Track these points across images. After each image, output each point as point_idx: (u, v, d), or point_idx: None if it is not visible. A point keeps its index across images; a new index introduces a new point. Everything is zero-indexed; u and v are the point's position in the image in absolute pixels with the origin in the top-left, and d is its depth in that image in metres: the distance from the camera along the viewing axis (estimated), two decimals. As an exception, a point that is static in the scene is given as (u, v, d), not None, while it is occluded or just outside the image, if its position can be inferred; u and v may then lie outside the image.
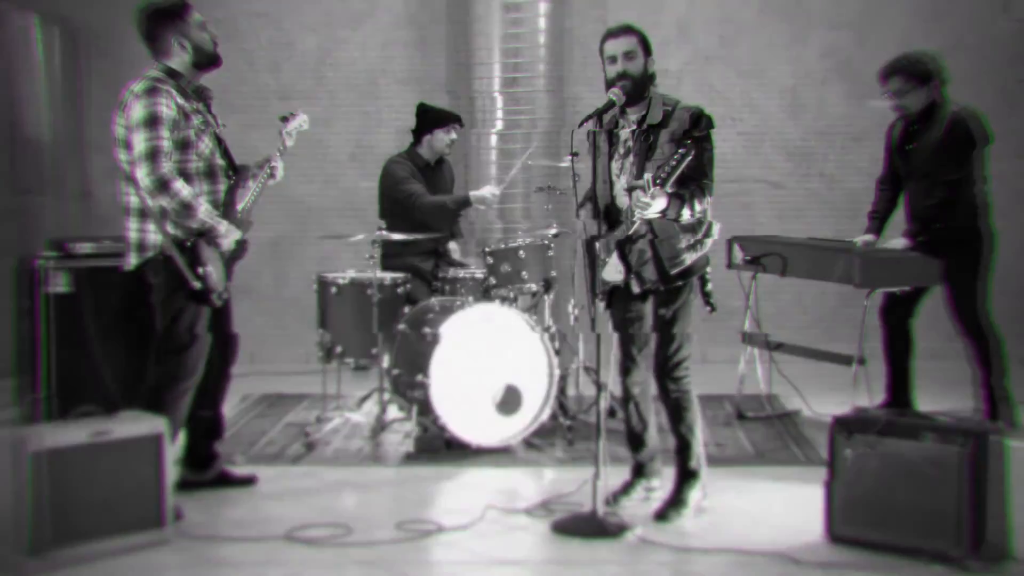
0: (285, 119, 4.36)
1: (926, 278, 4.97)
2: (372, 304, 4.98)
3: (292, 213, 7.27)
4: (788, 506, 4.06)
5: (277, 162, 4.23)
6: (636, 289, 3.88)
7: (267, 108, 7.10)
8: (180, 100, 3.91)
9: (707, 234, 3.86)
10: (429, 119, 5.67)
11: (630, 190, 3.73)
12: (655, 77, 3.89)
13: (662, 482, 4.10)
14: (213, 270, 3.97)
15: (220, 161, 4.07)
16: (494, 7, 6.88)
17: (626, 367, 4.02)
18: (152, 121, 3.82)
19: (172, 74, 3.96)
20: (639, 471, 4.13)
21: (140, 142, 3.83)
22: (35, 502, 3.40)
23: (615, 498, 4.00)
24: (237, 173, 4.16)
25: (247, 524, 3.88)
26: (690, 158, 3.55)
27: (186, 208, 3.87)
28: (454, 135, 5.70)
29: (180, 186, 3.85)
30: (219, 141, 4.10)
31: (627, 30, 3.86)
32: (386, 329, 5.02)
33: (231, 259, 4.10)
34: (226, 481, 4.34)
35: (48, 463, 3.42)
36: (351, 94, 7.47)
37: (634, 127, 3.85)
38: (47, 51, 6.70)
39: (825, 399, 5.39)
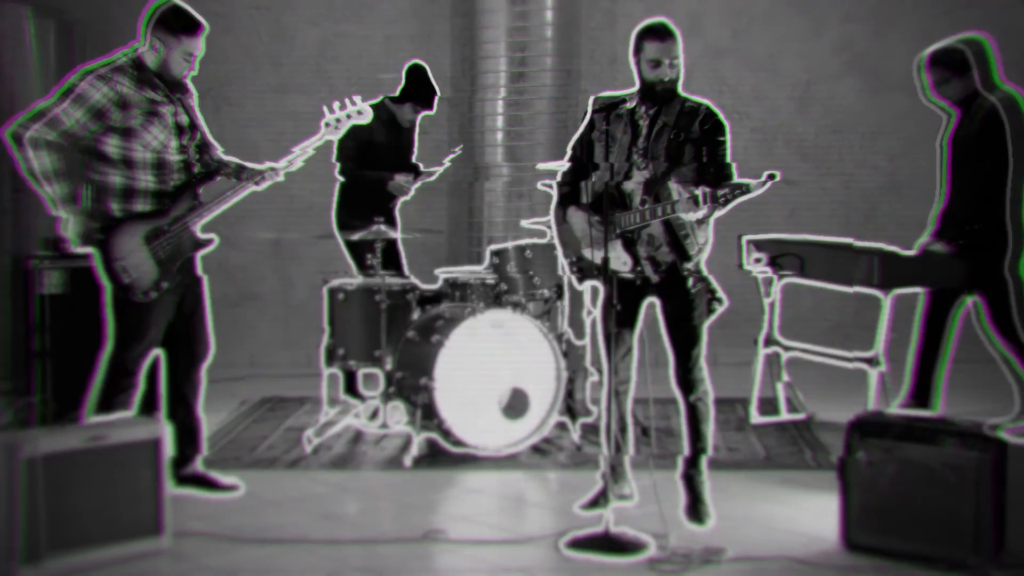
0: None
1: (948, 279, 4.84)
2: (380, 310, 4.90)
3: (293, 212, 7.19)
4: (803, 512, 4.01)
5: (275, 173, 4.19)
6: (651, 274, 3.84)
7: (267, 104, 7.04)
8: (126, 89, 3.91)
9: (706, 240, 3.87)
10: (409, 89, 5.60)
11: (668, 203, 3.71)
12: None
13: (634, 488, 4.06)
14: (135, 263, 3.95)
15: (175, 156, 4.02)
16: (500, -1, 6.81)
17: (616, 365, 3.96)
18: (71, 93, 3.88)
19: (137, 65, 3.98)
20: (611, 472, 4.04)
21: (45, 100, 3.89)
22: (29, 509, 3.33)
23: (590, 507, 3.94)
24: (209, 173, 4.16)
25: (247, 531, 3.82)
26: (741, 193, 3.55)
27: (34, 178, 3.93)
28: (414, 116, 5.67)
29: (31, 155, 3.88)
30: (180, 132, 4.04)
31: (671, 33, 3.81)
32: (395, 335, 4.94)
33: (185, 250, 4.05)
34: (199, 482, 4.23)
35: (42, 469, 3.35)
36: (353, 89, 7.35)
37: (645, 118, 3.81)
38: (41, 45, 6.64)
39: (840, 404, 5.29)
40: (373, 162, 5.63)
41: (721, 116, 3.81)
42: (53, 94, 3.92)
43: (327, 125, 4.24)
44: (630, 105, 3.85)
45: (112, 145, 3.93)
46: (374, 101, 5.70)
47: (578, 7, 7.13)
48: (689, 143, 3.75)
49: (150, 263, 3.98)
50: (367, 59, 7.39)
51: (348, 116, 4.28)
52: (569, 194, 3.99)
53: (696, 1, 7.33)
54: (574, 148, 3.98)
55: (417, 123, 5.81)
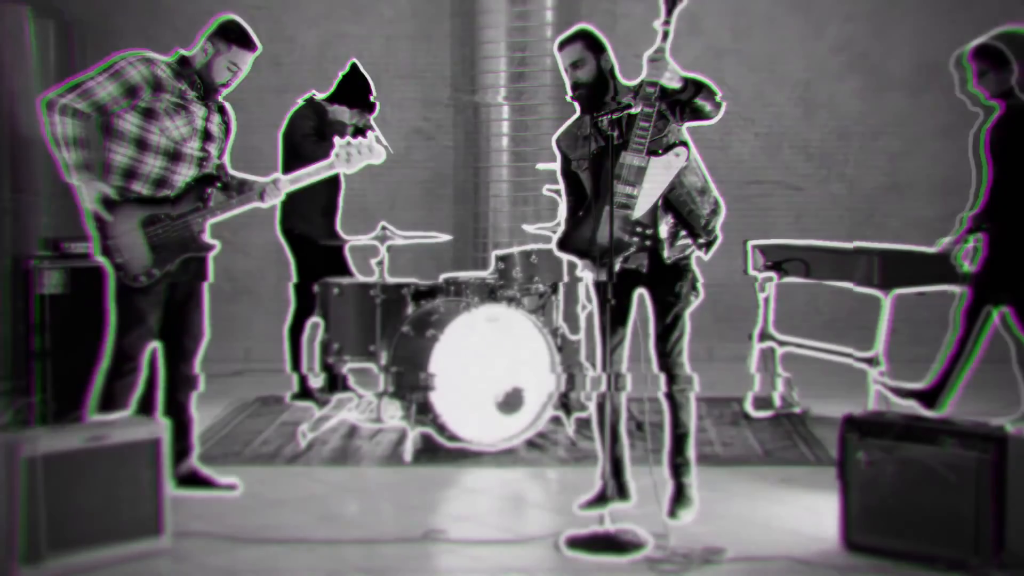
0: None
1: (948, 279, 4.84)
2: (375, 305, 4.90)
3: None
4: (803, 512, 4.00)
5: (276, 191, 4.21)
6: (667, 254, 3.82)
7: (266, 105, 7.01)
8: (164, 75, 4.02)
9: (717, 203, 3.88)
10: (346, 90, 5.61)
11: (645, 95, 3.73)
12: (615, 68, 3.92)
13: (632, 489, 4.03)
14: (128, 244, 3.99)
15: (196, 152, 4.07)
16: (500, -1, 6.81)
17: (606, 359, 3.92)
18: (109, 70, 3.96)
19: (182, 61, 4.11)
20: (612, 470, 4.02)
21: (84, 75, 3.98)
22: (29, 509, 3.33)
23: (589, 507, 3.92)
24: (225, 189, 4.20)
25: (247, 531, 3.81)
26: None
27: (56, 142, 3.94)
28: (354, 120, 5.59)
29: (57, 120, 3.91)
30: (207, 138, 4.11)
31: (573, 38, 3.89)
32: (389, 330, 4.94)
33: (183, 246, 4.07)
34: (194, 480, 4.23)
35: (43, 469, 3.34)
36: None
37: (612, 126, 3.77)
38: (41, 45, 6.64)
39: (836, 400, 5.29)
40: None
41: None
42: (95, 69, 4.01)
43: (337, 156, 4.26)
44: (587, 129, 3.87)
45: (131, 123, 3.99)
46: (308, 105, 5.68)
47: (578, 7, 7.12)
48: (654, 108, 3.79)
49: (143, 247, 4.03)
50: (367, 59, 7.36)
51: (360, 153, 4.28)
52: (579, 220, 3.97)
53: (696, 1, 7.31)
54: (565, 185, 4.00)
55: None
